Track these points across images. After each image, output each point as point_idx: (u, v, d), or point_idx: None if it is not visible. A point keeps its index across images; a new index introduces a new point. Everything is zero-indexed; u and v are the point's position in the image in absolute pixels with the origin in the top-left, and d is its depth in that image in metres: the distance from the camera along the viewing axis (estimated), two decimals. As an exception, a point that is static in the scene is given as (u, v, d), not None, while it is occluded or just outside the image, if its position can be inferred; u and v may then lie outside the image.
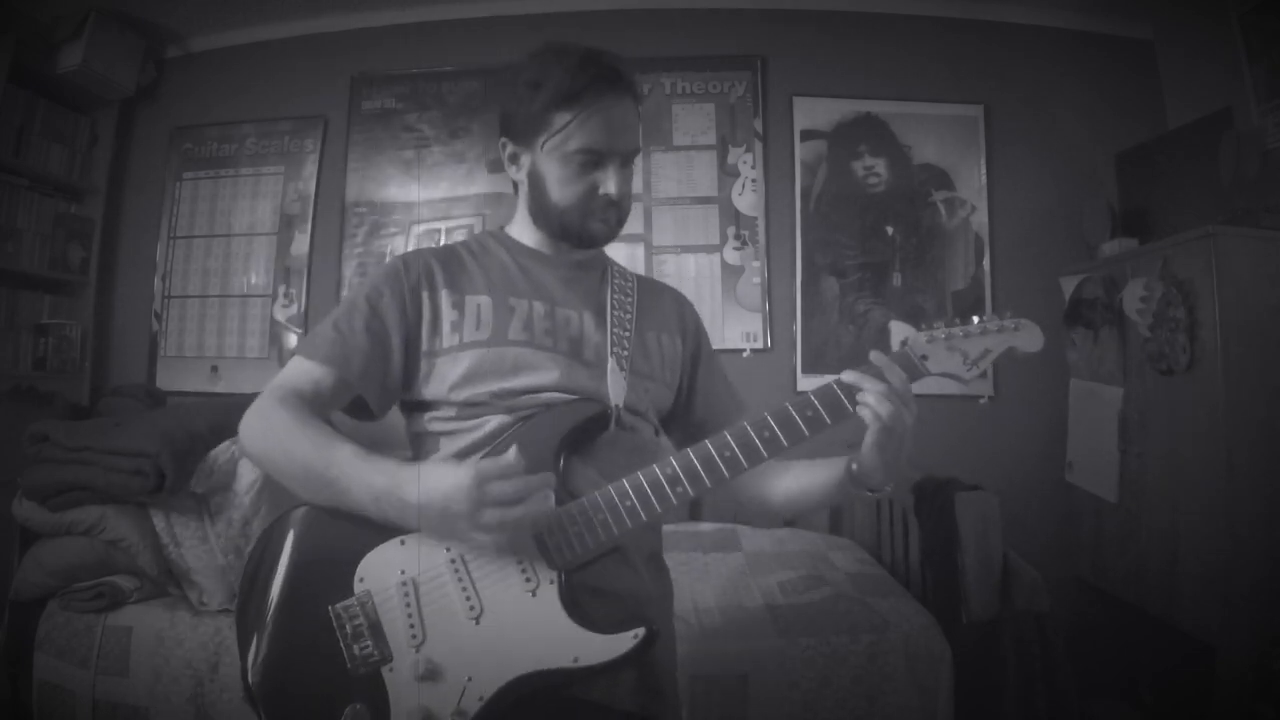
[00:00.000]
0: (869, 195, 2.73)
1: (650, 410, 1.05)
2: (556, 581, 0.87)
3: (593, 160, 0.96)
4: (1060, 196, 2.68)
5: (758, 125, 2.76)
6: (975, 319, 0.89)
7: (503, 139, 1.03)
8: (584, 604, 0.87)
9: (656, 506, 0.88)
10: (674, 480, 0.88)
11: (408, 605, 0.86)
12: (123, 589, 1.79)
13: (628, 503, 0.88)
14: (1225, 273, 1.85)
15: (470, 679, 0.84)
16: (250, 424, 0.92)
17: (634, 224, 2.71)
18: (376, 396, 0.97)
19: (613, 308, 1.06)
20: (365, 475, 0.84)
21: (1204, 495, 1.88)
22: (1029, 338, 0.89)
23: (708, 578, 1.95)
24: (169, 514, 1.83)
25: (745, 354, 2.69)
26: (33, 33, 2.51)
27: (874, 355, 0.89)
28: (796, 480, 1.04)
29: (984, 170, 2.72)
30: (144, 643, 1.73)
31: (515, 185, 1.06)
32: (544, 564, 0.87)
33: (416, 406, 1.01)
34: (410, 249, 1.10)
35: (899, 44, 2.77)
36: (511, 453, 0.83)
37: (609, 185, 0.97)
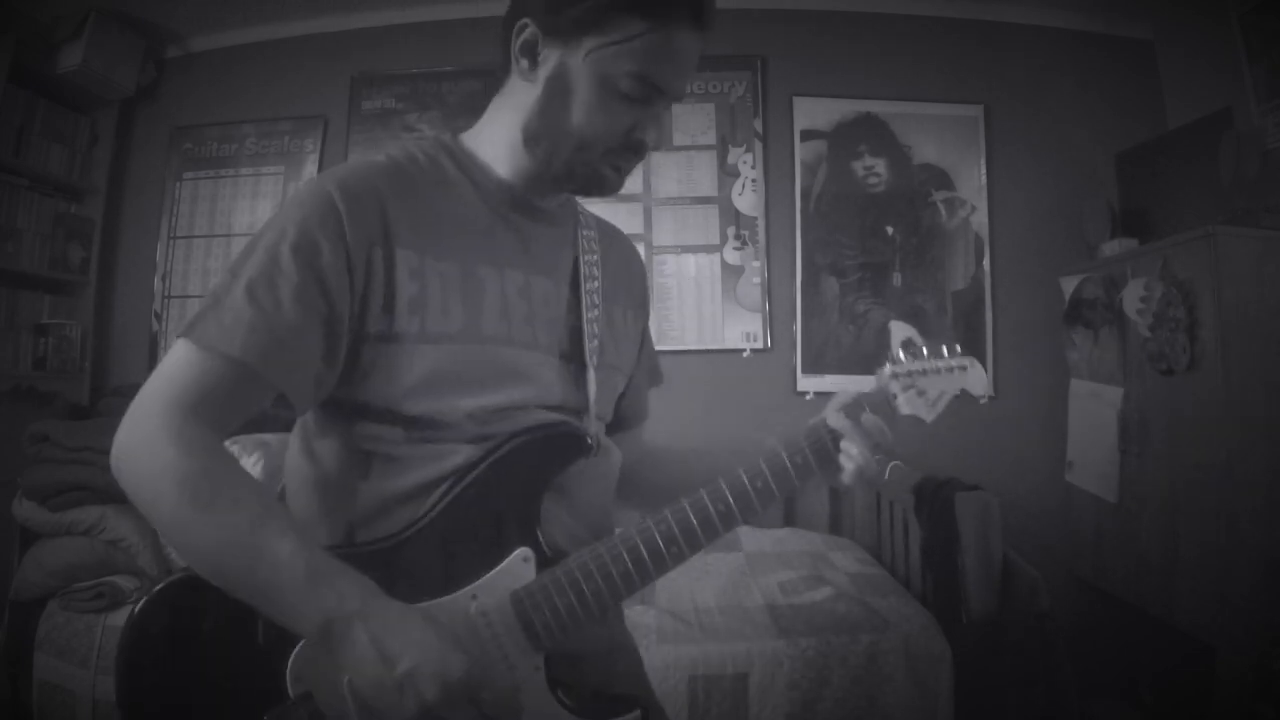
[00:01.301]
0: (869, 195, 2.73)
1: (610, 407, 0.90)
2: (541, 668, 0.71)
3: (644, 93, 0.74)
4: (1060, 196, 2.68)
5: (758, 125, 2.76)
6: (925, 350, 0.87)
7: (523, 20, 0.74)
8: (566, 681, 0.73)
9: (653, 573, 0.74)
10: (670, 540, 0.74)
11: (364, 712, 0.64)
12: (123, 589, 1.79)
13: (621, 568, 0.73)
14: (1225, 273, 1.85)
15: None
16: (127, 461, 0.64)
17: (634, 224, 2.73)
18: (309, 395, 0.70)
19: (585, 276, 0.85)
20: (314, 594, 0.61)
21: (1204, 495, 1.88)
22: (975, 380, 0.86)
23: (708, 578, 1.95)
24: (169, 514, 1.83)
25: (745, 354, 2.69)
26: (33, 33, 2.51)
27: (847, 398, 0.81)
28: None
29: (984, 170, 2.72)
30: (144, 643, 1.72)
31: (502, 86, 0.80)
32: (527, 647, 0.71)
33: (346, 408, 0.73)
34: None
35: (899, 44, 2.77)
36: (518, 698, 0.68)
37: (648, 131, 0.76)
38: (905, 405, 0.84)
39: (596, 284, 0.85)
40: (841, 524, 2.57)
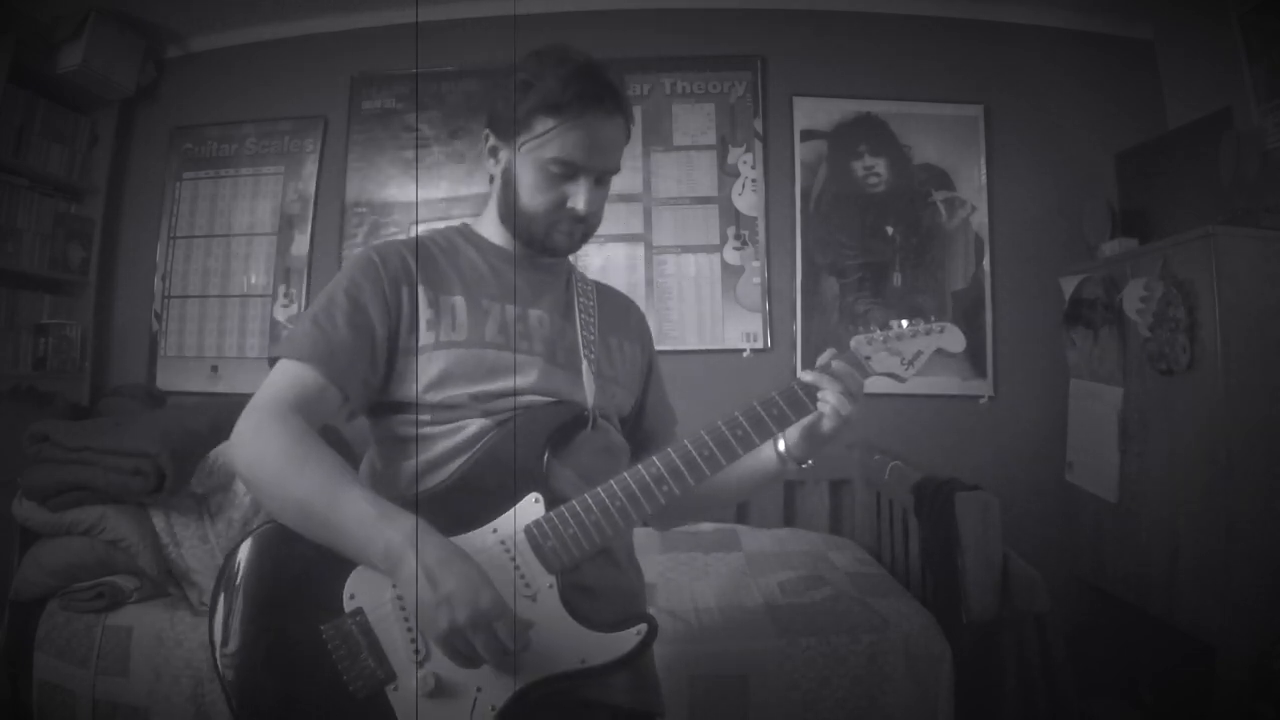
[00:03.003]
0: (869, 195, 2.73)
1: (614, 414, 1.07)
2: (555, 585, 0.87)
3: (566, 173, 0.95)
4: (1060, 196, 2.68)
5: (758, 125, 2.76)
6: (905, 323, 1.00)
7: (486, 130, 1.02)
8: (579, 604, 0.88)
9: (645, 506, 0.90)
10: (659, 480, 0.90)
11: (405, 620, 0.83)
12: (123, 589, 1.79)
13: (618, 504, 0.89)
14: (1225, 273, 1.85)
15: (480, 690, 0.82)
16: (244, 443, 0.86)
17: (634, 224, 2.73)
18: (360, 393, 0.93)
19: (578, 310, 1.07)
20: (379, 527, 0.80)
21: (1204, 495, 1.88)
22: (952, 339, 1.00)
23: (708, 578, 1.95)
24: (169, 514, 1.83)
25: (745, 354, 2.69)
26: (33, 33, 2.51)
27: (825, 356, 0.96)
28: (736, 469, 1.01)
29: (984, 170, 2.72)
30: (144, 643, 1.73)
31: (490, 179, 1.05)
32: (540, 569, 0.87)
33: (386, 408, 0.98)
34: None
35: (899, 44, 2.76)
36: (527, 631, 0.80)
37: (578, 201, 0.96)
38: (879, 364, 0.99)
39: (592, 319, 1.08)
40: (841, 524, 2.57)
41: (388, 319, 0.95)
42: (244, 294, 2.85)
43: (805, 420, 0.95)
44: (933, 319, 1.00)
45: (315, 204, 2.85)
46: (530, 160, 0.95)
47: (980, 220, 2.71)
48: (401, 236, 1.03)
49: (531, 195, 0.97)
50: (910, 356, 0.99)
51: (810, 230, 2.72)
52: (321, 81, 2.88)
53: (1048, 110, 2.72)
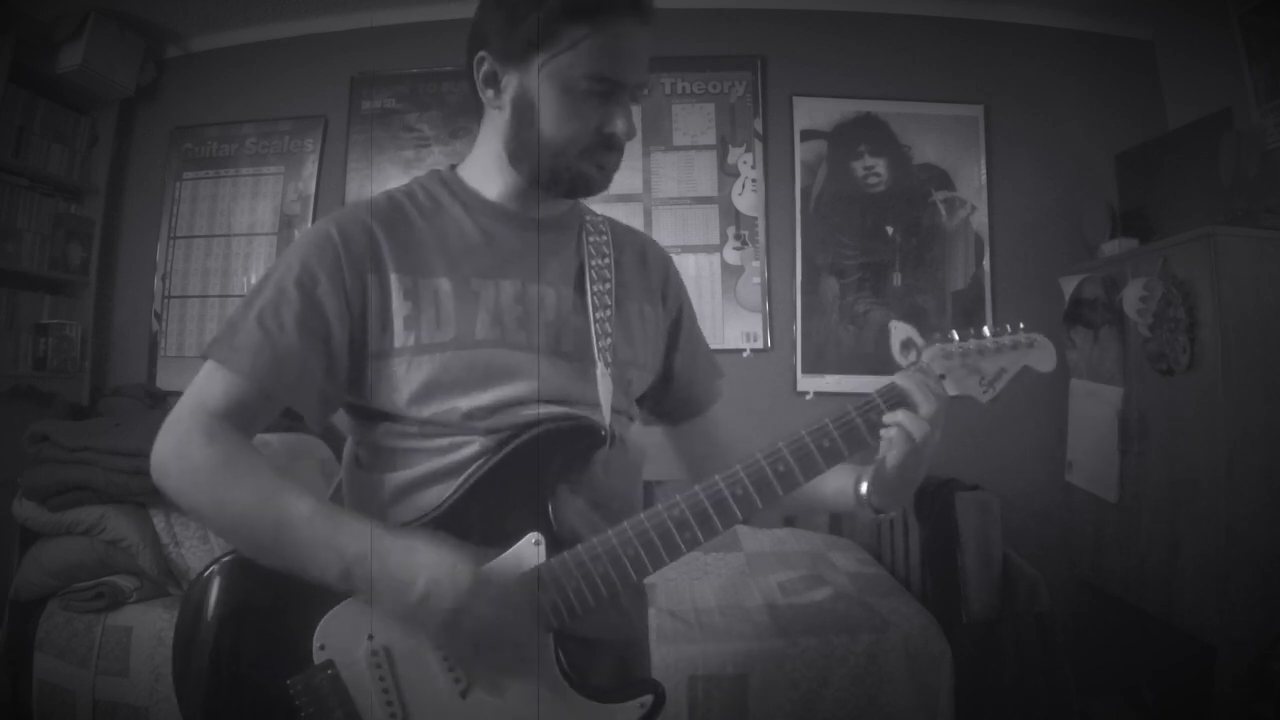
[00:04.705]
0: (869, 195, 2.73)
1: (632, 403, 0.92)
2: (551, 646, 0.75)
3: (603, 90, 0.78)
4: (1060, 196, 2.68)
5: (758, 125, 2.76)
6: (987, 331, 0.83)
7: (480, 54, 0.81)
8: (577, 661, 0.77)
9: (665, 556, 0.76)
10: (683, 524, 0.75)
11: (381, 678, 0.73)
12: (123, 589, 1.79)
13: (631, 552, 0.75)
14: (1225, 273, 1.85)
15: None
16: (165, 462, 0.75)
17: (634, 224, 2.70)
18: (315, 410, 0.78)
19: (591, 279, 0.88)
20: (332, 540, 0.69)
21: (1204, 495, 1.88)
22: (1043, 356, 0.84)
23: (708, 578, 1.95)
24: (169, 514, 1.83)
25: (745, 354, 2.69)
26: (33, 33, 2.51)
27: (903, 375, 0.81)
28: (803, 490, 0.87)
29: (984, 170, 2.72)
30: (144, 643, 1.73)
31: (482, 116, 0.86)
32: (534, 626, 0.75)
33: (367, 414, 0.82)
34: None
35: (899, 44, 2.76)
36: (527, 578, 0.72)
37: (617, 122, 0.79)
38: (954, 385, 0.82)
39: (608, 286, 0.89)
40: (841, 524, 2.57)
41: (348, 318, 0.78)
42: (244, 294, 2.84)
43: (893, 459, 0.79)
44: (1021, 327, 0.83)
45: (315, 204, 2.85)
46: (557, 81, 0.77)
47: (980, 220, 2.71)
48: (379, 196, 0.85)
49: (558, 122, 0.79)
50: (992, 375, 0.82)
51: (810, 230, 2.72)
52: (321, 81, 2.88)
53: (1048, 110, 2.72)
